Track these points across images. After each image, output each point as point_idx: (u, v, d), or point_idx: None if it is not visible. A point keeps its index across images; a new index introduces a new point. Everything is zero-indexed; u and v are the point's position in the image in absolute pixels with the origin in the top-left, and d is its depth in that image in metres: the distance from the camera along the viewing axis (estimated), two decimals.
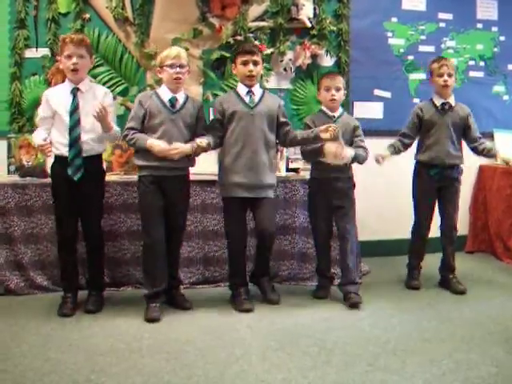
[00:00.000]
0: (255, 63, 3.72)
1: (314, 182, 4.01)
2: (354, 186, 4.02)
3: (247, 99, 3.72)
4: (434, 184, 4.12)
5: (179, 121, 3.60)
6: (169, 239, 3.67)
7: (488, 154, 4.19)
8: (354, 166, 3.96)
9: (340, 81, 3.95)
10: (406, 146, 4.21)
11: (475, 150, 4.21)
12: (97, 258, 3.76)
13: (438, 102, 4.12)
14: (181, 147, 3.52)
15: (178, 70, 3.58)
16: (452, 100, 4.13)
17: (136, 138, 3.55)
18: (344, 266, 3.95)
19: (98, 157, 3.69)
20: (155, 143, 3.50)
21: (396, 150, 4.17)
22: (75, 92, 3.56)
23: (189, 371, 2.77)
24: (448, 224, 4.17)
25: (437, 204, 4.21)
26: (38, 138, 3.50)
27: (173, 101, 3.61)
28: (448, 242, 4.19)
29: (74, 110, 3.53)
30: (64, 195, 3.57)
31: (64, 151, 3.52)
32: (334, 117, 3.94)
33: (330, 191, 3.89)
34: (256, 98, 3.74)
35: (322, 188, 3.92)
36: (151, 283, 3.62)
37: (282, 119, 3.82)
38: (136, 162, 3.65)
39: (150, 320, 3.47)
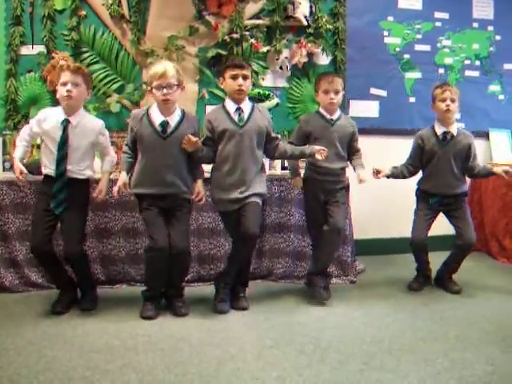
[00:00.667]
0: (244, 77, 3.62)
1: (307, 182, 4.01)
2: (348, 188, 4.03)
3: (236, 117, 3.62)
4: (435, 209, 4.10)
5: (171, 146, 3.50)
6: (172, 253, 3.55)
7: (483, 173, 4.12)
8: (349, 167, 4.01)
9: (339, 83, 3.92)
10: (411, 173, 4.18)
11: (470, 175, 4.18)
12: (79, 271, 3.67)
13: (439, 130, 4.06)
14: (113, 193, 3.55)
15: (164, 91, 3.43)
16: (454, 128, 4.06)
17: (122, 161, 3.62)
18: (319, 257, 3.95)
19: (85, 181, 3.64)
20: (120, 179, 3.50)
21: (398, 172, 4.14)
22: (66, 124, 3.51)
23: (183, 369, 2.77)
24: (465, 239, 4.03)
25: (447, 220, 4.15)
26: (17, 155, 3.54)
27: (164, 125, 3.50)
28: (463, 254, 4.10)
29: (63, 144, 3.49)
30: (44, 214, 3.52)
31: (51, 172, 3.52)
32: (332, 120, 3.92)
33: (323, 192, 3.89)
34: (245, 116, 3.64)
35: (315, 188, 3.92)
36: (150, 285, 3.61)
37: (272, 135, 3.75)
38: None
39: (145, 318, 3.46)
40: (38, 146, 4.01)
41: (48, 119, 3.54)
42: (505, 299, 3.95)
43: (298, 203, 4.28)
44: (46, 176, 3.56)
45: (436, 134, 4.07)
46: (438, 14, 5.30)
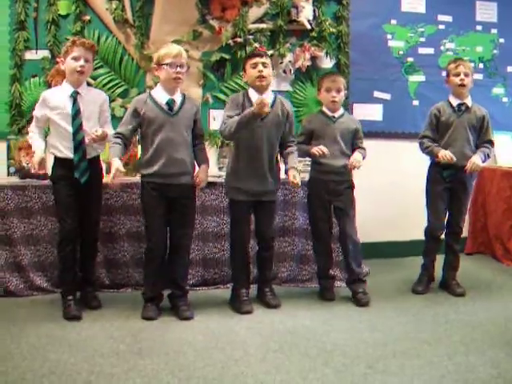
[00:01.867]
0: (264, 65, 3.65)
1: (311, 183, 4.03)
2: (353, 187, 4.02)
3: None
4: (446, 186, 4.09)
5: (179, 124, 3.52)
6: (173, 246, 3.65)
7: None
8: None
9: (341, 82, 3.96)
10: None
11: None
12: (93, 252, 3.81)
13: (455, 102, 4.10)
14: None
15: (178, 69, 3.49)
16: (469, 101, 4.10)
17: (111, 148, 3.49)
18: (347, 266, 3.98)
19: (98, 157, 3.73)
20: (113, 164, 3.40)
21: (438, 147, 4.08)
22: (75, 96, 3.54)
23: (188, 373, 2.78)
24: (452, 226, 4.16)
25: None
26: (38, 147, 3.53)
27: (170, 103, 3.53)
28: (455, 240, 4.18)
29: (76, 115, 3.52)
30: (68, 196, 3.56)
31: (67, 153, 3.53)
32: (334, 117, 3.95)
33: (327, 192, 3.90)
34: None
35: (319, 188, 3.93)
36: (150, 287, 3.62)
37: (286, 130, 3.80)
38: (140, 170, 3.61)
39: (146, 319, 3.48)
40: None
41: (54, 97, 3.56)
42: (509, 302, 3.95)
43: (302, 207, 4.28)
44: (59, 160, 3.57)
45: (451, 105, 4.10)
46: (441, 17, 5.30)
